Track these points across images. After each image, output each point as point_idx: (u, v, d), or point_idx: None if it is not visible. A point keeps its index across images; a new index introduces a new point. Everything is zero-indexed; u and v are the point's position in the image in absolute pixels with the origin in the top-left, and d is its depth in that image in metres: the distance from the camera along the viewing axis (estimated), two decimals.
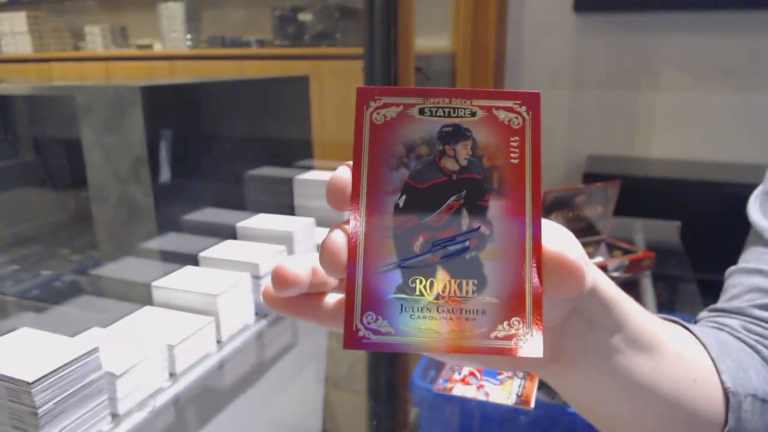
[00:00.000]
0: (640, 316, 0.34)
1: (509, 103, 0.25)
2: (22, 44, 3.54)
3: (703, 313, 0.49)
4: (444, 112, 0.25)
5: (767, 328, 0.44)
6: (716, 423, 0.37)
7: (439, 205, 0.25)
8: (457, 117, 0.25)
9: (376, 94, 0.25)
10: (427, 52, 2.49)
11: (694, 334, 0.40)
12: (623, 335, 0.32)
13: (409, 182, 0.25)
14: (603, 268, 1.01)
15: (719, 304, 0.49)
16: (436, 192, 0.25)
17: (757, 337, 0.43)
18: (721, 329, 0.45)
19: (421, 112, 0.25)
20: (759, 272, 0.47)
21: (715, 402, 0.37)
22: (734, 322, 0.45)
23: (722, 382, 0.38)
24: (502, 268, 0.24)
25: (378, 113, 0.25)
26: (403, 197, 0.25)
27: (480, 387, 0.70)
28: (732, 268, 0.50)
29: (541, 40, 2.43)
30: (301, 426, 0.82)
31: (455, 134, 0.25)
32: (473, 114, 0.25)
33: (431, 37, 2.51)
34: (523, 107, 0.25)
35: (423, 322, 0.24)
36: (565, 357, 0.31)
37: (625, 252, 1.07)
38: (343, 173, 0.25)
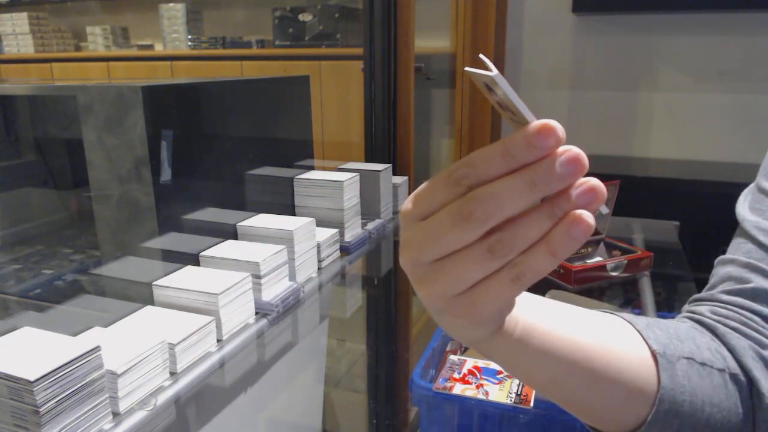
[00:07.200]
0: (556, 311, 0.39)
1: None
2: (24, 45, 3.55)
3: (685, 306, 0.51)
4: None
5: (732, 310, 0.45)
6: (653, 389, 0.39)
7: None
8: None
9: None
10: (427, 52, 2.49)
11: (624, 319, 0.43)
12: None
13: None
14: (602, 267, 1.01)
15: (698, 294, 0.50)
16: None
17: (719, 318, 0.45)
18: (691, 317, 0.47)
19: None
20: (732, 261, 0.48)
21: (647, 369, 0.39)
22: (704, 308, 0.47)
23: (649, 347, 0.40)
24: None
25: None
26: None
27: (479, 386, 0.70)
28: (718, 258, 0.52)
29: (540, 41, 2.43)
30: (301, 424, 0.82)
31: None
32: None
33: (431, 37, 2.51)
34: None
35: None
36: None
37: (624, 252, 1.07)
38: None
